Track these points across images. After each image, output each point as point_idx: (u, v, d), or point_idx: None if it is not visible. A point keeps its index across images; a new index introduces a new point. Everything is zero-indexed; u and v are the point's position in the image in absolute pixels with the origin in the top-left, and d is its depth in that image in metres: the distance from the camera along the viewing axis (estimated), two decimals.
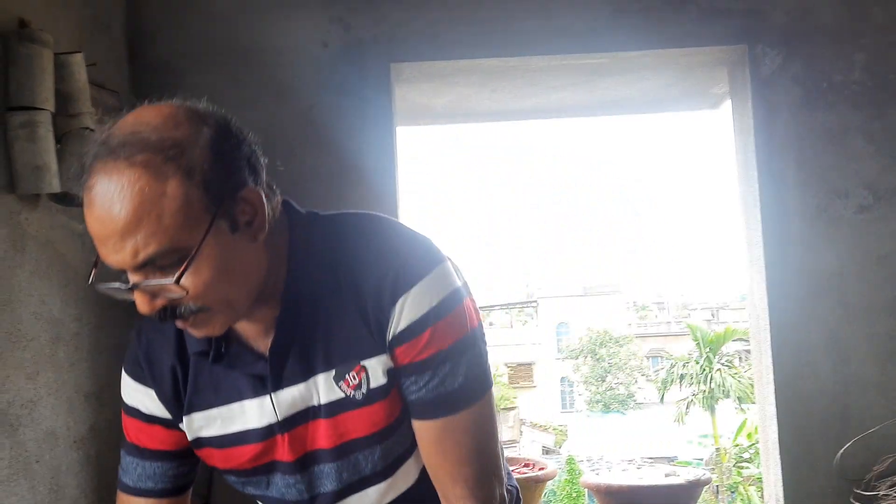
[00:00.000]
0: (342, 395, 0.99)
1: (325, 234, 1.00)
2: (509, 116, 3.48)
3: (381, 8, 2.61)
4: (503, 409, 22.63)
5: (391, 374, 0.98)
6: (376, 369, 0.98)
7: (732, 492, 14.95)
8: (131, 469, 1.11)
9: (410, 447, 1.04)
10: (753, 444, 15.40)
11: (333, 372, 0.98)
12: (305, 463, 1.04)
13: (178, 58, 2.57)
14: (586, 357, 28.18)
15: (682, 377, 19.05)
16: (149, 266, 0.85)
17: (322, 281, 0.97)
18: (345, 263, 0.97)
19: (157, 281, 0.85)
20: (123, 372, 1.10)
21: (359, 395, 0.98)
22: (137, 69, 2.54)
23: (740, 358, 22.93)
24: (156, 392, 1.06)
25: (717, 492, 14.83)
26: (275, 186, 0.96)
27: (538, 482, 2.64)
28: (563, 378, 29.54)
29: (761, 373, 2.70)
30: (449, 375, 0.96)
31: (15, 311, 1.84)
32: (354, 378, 0.98)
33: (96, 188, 0.83)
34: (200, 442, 1.07)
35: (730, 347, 20.48)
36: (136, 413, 1.09)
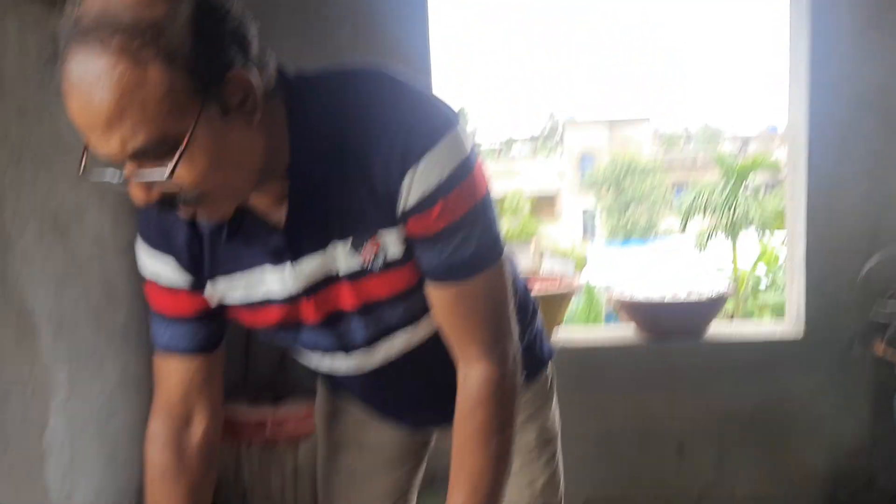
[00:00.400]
0: (361, 264, 1.00)
1: (326, 102, 0.95)
2: None
3: None
4: (523, 240, 23.03)
5: (407, 243, 0.99)
6: (392, 239, 0.98)
7: (748, 318, 15.38)
8: (160, 333, 1.12)
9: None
10: (771, 272, 15.67)
11: (350, 241, 0.99)
12: (332, 321, 1.08)
13: None
14: (610, 188, 28.16)
15: (705, 206, 19.06)
16: (140, 157, 0.81)
17: (327, 153, 0.94)
18: (349, 133, 0.94)
19: (149, 173, 0.81)
20: (139, 240, 1.08)
21: (377, 266, 1.00)
22: None
23: (766, 190, 22.83)
24: (175, 259, 1.05)
25: (732, 318, 15.29)
26: (268, 53, 0.89)
27: (563, 298, 2.73)
28: (585, 210, 29.72)
29: (794, 190, 2.69)
30: (461, 245, 0.97)
31: (55, 119, 1.85)
32: (371, 248, 0.99)
33: (73, 76, 0.77)
34: (226, 305, 1.10)
35: (756, 179, 20.32)
36: (156, 281, 1.08)
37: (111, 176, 0.85)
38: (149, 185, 0.83)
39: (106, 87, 0.76)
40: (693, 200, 19.55)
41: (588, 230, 29.46)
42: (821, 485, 2.61)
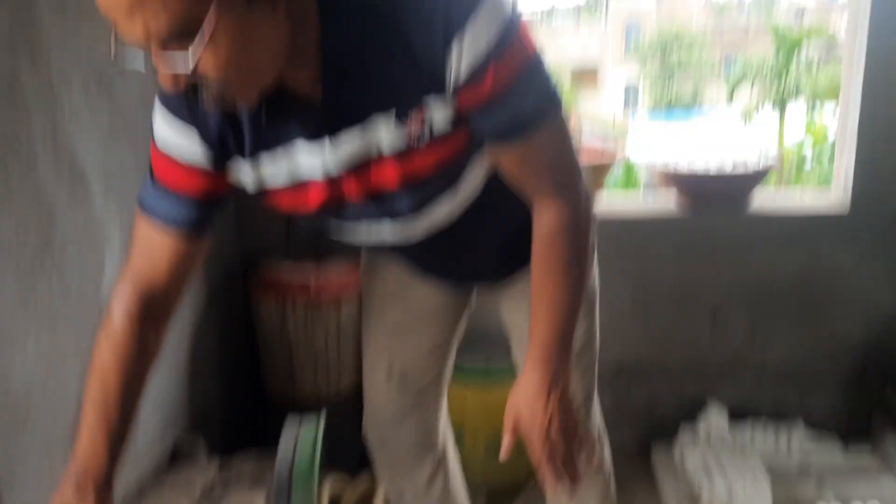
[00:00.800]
0: (406, 139, 1.00)
1: None
2: None
3: None
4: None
5: (454, 114, 0.99)
6: (439, 110, 0.98)
7: (789, 185, 15.12)
8: (154, 201, 1.10)
9: (472, 162, 1.10)
10: (817, 144, 15.24)
11: (393, 113, 0.98)
12: (373, 196, 1.09)
13: None
14: (654, 58, 27.14)
15: (754, 77, 18.36)
16: (164, 43, 0.81)
17: (362, 28, 0.93)
18: (382, 6, 0.93)
19: (174, 58, 0.82)
20: (160, 106, 1.07)
21: (423, 140, 1.01)
22: None
23: (821, 61, 21.82)
24: (199, 133, 1.04)
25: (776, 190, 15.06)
26: None
27: (602, 168, 2.70)
28: (628, 84, 28.81)
29: (852, 59, 2.57)
30: (519, 104, 0.98)
31: None
32: (417, 121, 0.98)
33: None
34: (262, 184, 1.10)
35: (811, 52, 19.41)
36: (169, 152, 1.07)
37: (139, 64, 0.87)
38: (175, 73, 0.84)
39: None
40: (742, 70, 18.82)
41: (630, 102, 28.69)
42: (853, 354, 2.65)
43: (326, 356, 2.45)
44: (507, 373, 2.26)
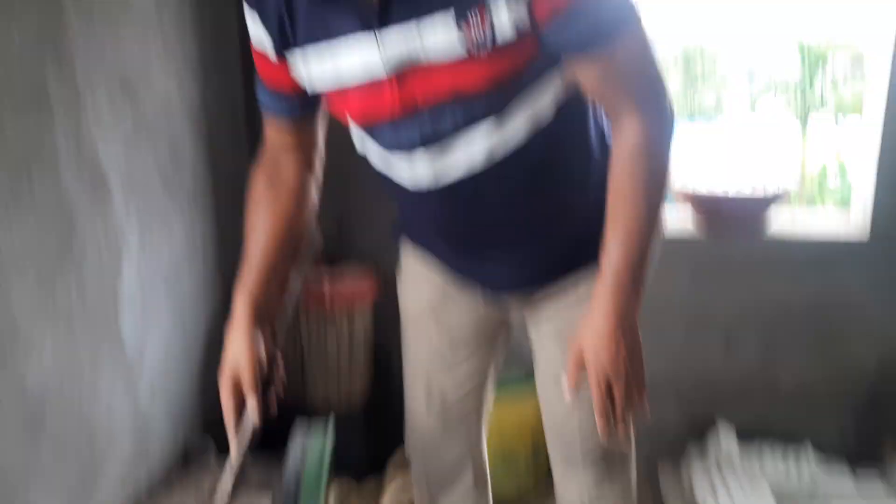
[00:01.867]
0: (463, 41, 0.98)
1: None
2: None
3: None
4: None
5: (521, 28, 0.98)
6: (503, 18, 0.97)
7: (809, 204, 15.01)
8: (261, 92, 1.24)
9: (529, 95, 1.07)
10: (840, 162, 15.09)
11: (453, 12, 0.97)
12: (413, 110, 1.08)
13: None
14: (676, 65, 26.98)
15: (777, 87, 18.21)
16: None
17: None
18: None
19: None
20: (245, 6, 1.15)
21: (483, 53, 0.99)
22: None
23: (846, 75, 21.60)
24: (261, 18, 1.12)
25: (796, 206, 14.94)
26: None
27: None
28: None
29: (876, 75, 2.54)
30: (598, 12, 0.98)
31: None
32: (478, 24, 0.97)
33: None
34: (313, 81, 1.13)
35: (836, 67, 19.22)
36: (257, 44, 1.17)
37: None
38: None
39: None
40: (766, 80, 18.67)
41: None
42: (866, 381, 2.63)
43: (338, 364, 2.46)
44: (515, 383, 2.27)
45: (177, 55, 2.10)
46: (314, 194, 1.30)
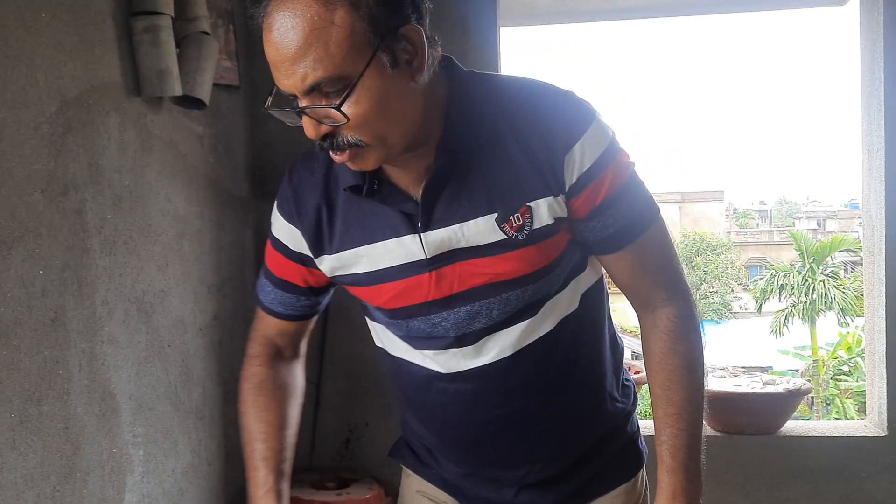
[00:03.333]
0: (504, 236, 1.05)
1: (485, 89, 1.06)
2: (615, 15, 3.34)
3: None
4: None
5: (558, 218, 1.05)
6: (542, 211, 1.04)
7: (828, 404, 14.69)
8: (267, 291, 1.25)
9: (558, 288, 1.12)
10: (853, 358, 14.98)
11: (497, 214, 1.04)
12: (455, 302, 1.10)
13: None
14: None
15: (781, 287, 18.50)
16: (315, 91, 0.93)
17: (482, 131, 1.03)
18: (507, 115, 1.03)
19: (322, 106, 0.93)
20: (275, 208, 1.20)
21: (521, 236, 1.05)
22: None
23: (846, 270, 22.02)
24: (300, 231, 1.15)
25: (812, 403, 14.62)
26: (437, 38, 1.01)
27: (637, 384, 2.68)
28: None
29: (872, 284, 2.61)
30: (628, 208, 1.06)
31: (145, 207, 1.97)
32: (519, 219, 1.04)
33: (273, 16, 0.91)
34: (348, 279, 1.15)
35: (836, 259, 19.67)
36: (280, 247, 1.19)
37: (287, 115, 0.97)
38: (318, 121, 0.95)
39: (299, 26, 0.90)
40: (769, 281, 19.02)
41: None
42: None
43: None
44: None
45: (193, 277, 2.20)
46: (302, 373, 1.31)
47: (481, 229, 1.04)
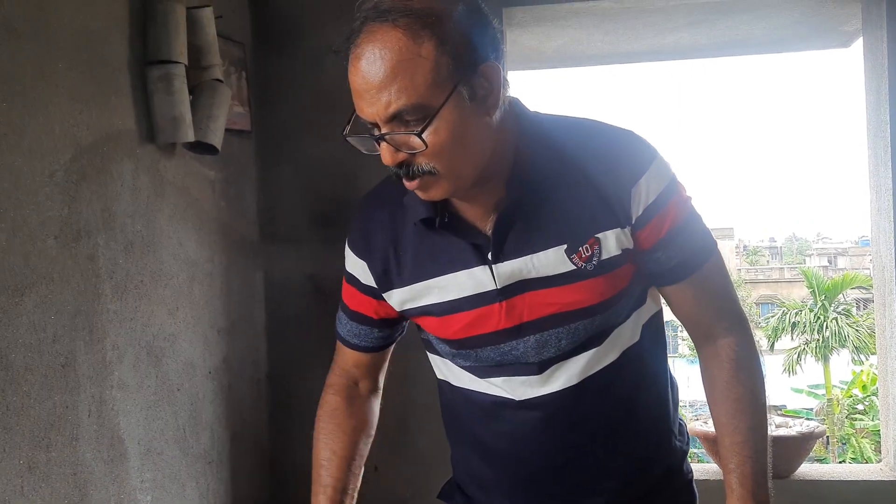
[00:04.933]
0: (573, 266, 1.08)
1: (551, 127, 1.10)
2: (621, 59, 3.39)
3: None
4: None
5: (625, 249, 1.08)
6: (610, 242, 1.08)
7: (844, 443, 14.47)
8: (343, 323, 1.28)
9: (622, 319, 1.15)
10: (868, 396, 14.78)
11: (566, 246, 1.07)
12: (524, 331, 1.11)
13: (301, 7, 2.63)
14: None
15: (794, 325, 18.35)
16: (396, 120, 0.96)
17: (551, 167, 1.07)
18: (575, 151, 1.08)
19: (402, 133, 0.97)
20: (346, 244, 1.23)
21: (590, 267, 1.08)
22: (260, 19, 2.62)
23: (859, 307, 21.84)
24: (368, 266, 1.18)
25: (828, 443, 14.40)
26: (508, 78, 1.04)
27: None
28: (667, 322, 28.96)
29: (884, 326, 2.59)
30: (690, 240, 1.11)
31: (157, 252, 1.99)
32: (588, 250, 1.08)
33: (363, 47, 0.95)
34: (418, 310, 1.17)
35: (847, 296, 19.53)
36: (353, 281, 1.23)
37: (364, 142, 1.01)
38: (396, 149, 0.99)
39: (387, 56, 0.94)
40: (780, 319, 18.88)
41: (670, 345, 28.61)
42: None
43: None
44: None
45: (203, 320, 2.20)
46: (377, 408, 1.34)
47: (551, 260, 1.08)
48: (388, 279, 1.17)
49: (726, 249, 31.18)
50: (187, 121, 1.97)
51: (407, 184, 1.03)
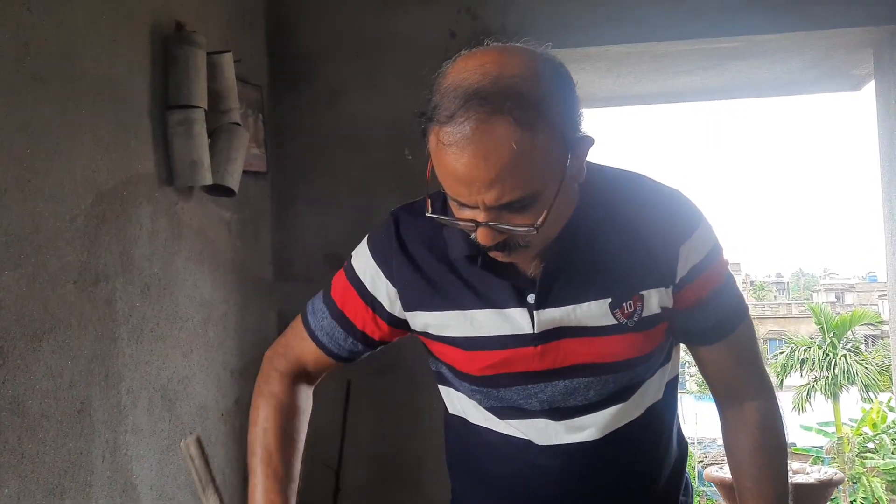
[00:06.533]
0: (615, 321, 1.07)
1: (604, 179, 1.08)
2: (632, 101, 3.41)
3: None
4: None
5: (664, 308, 1.08)
6: (652, 300, 1.08)
7: (854, 483, 14.26)
8: (320, 316, 1.20)
9: (649, 376, 1.14)
10: (878, 434, 14.60)
11: (610, 300, 1.06)
12: (554, 375, 1.10)
13: (315, 50, 2.67)
14: None
15: (803, 362, 18.21)
16: (506, 208, 0.92)
17: (602, 221, 1.06)
18: (626, 205, 1.07)
19: (512, 226, 0.92)
20: (365, 243, 1.16)
21: (631, 323, 1.07)
22: (276, 62, 2.65)
23: (867, 343, 21.68)
24: (394, 281, 1.12)
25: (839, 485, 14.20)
26: None
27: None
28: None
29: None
30: (728, 302, 1.12)
31: (173, 294, 1.99)
32: (631, 306, 1.07)
33: (471, 135, 0.87)
34: (443, 339, 1.12)
35: (856, 332, 19.40)
36: (357, 283, 1.16)
37: (465, 224, 0.95)
38: (496, 230, 0.94)
39: (503, 150, 0.87)
40: (789, 356, 18.74)
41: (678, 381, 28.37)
42: None
43: None
44: None
45: (217, 362, 2.20)
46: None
47: (594, 312, 1.07)
48: (417, 298, 1.12)
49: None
50: (206, 164, 1.98)
51: (497, 256, 1.00)
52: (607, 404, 1.12)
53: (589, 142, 0.97)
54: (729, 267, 1.15)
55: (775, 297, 37.38)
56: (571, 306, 1.07)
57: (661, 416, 1.19)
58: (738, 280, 32.43)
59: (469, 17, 2.64)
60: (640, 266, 1.06)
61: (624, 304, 1.07)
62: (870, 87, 2.92)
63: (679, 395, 1.28)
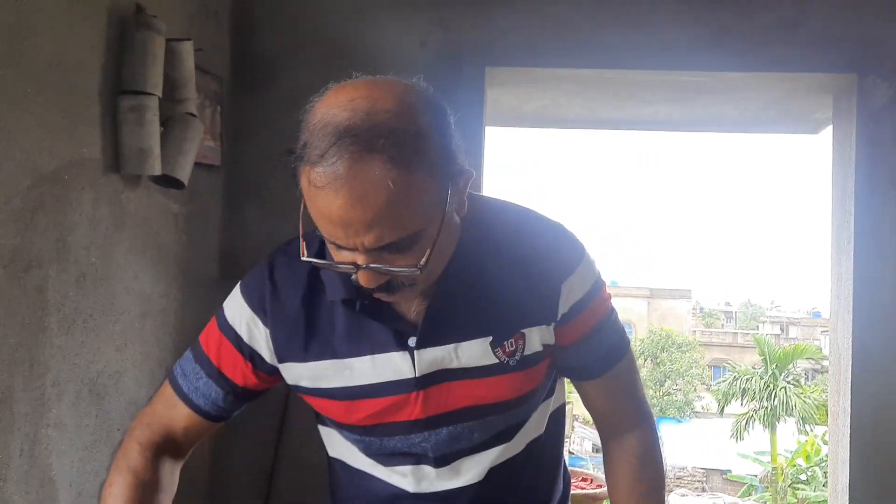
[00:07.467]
0: (496, 360, 1.04)
1: (488, 213, 1.05)
2: (598, 125, 3.43)
3: (482, 13, 2.60)
4: None
5: (546, 345, 1.07)
6: (534, 338, 1.05)
7: None
8: (192, 377, 1.10)
9: (530, 414, 1.13)
10: (811, 467, 14.94)
11: (491, 339, 1.03)
12: (438, 422, 1.06)
13: (279, 49, 2.62)
14: (646, 360, 27.72)
15: (744, 391, 18.58)
16: (386, 250, 0.87)
17: (486, 255, 1.02)
18: (509, 243, 1.04)
19: (395, 268, 0.88)
20: (238, 291, 1.08)
21: (512, 362, 1.05)
22: (239, 56, 2.59)
23: (808, 377, 22.20)
24: (268, 329, 1.05)
25: None
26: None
27: (595, 500, 2.63)
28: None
29: (836, 413, 2.61)
30: (609, 337, 1.11)
31: (111, 285, 1.92)
32: (512, 344, 1.04)
33: (344, 175, 0.81)
34: (315, 392, 1.07)
35: (798, 366, 19.85)
36: (230, 335, 1.07)
37: (342, 267, 0.89)
38: (378, 273, 0.89)
39: (380, 191, 0.82)
40: (731, 384, 19.11)
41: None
42: None
43: None
44: None
45: (152, 358, 2.13)
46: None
47: (475, 352, 1.03)
48: (289, 350, 1.05)
49: (683, 310, 31.62)
50: (155, 153, 1.92)
51: (381, 295, 0.95)
52: (490, 445, 1.10)
53: (469, 175, 0.92)
54: (610, 301, 1.13)
55: (723, 325, 38.09)
56: (453, 345, 1.02)
57: (543, 449, 1.17)
58: (688, 307, 33.14)
59: (441, 28, 2.62)
60: (522, 303, 1.03)
61: (505, 343, 1.04)
62: (828, 132, 2.97)
63: (565, 427, 1.27)
